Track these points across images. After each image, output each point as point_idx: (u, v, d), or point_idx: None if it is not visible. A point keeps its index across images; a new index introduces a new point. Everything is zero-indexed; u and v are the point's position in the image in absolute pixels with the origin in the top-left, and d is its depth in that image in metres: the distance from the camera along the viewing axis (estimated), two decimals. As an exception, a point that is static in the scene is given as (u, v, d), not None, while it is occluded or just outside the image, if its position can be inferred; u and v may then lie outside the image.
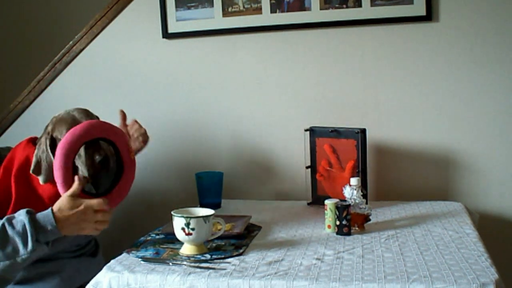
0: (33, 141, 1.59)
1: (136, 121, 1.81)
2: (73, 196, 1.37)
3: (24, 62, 2.98)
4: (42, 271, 1.54)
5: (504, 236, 1.99)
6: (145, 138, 1.80)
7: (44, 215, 1.35)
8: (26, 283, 1.52)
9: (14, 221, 1.34)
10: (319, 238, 1.53)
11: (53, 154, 1.47)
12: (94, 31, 2.20)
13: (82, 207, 1.36)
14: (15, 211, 1.39)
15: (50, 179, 1.48)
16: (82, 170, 1.48)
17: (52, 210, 1.35)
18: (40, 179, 1.50)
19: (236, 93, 2.14)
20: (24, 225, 1.32)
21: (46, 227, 1.34)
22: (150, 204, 2.23)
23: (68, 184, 1.41)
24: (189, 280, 1.25)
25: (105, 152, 1.49)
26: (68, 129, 1.46)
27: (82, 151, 1.47)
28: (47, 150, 1.51)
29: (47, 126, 1.56)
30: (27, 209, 1.36)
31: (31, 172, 1.50)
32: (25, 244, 1.32)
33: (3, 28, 3.10)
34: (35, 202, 1.48)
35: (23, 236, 1.32)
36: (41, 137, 1.56)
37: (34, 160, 1.51)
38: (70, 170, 1.41)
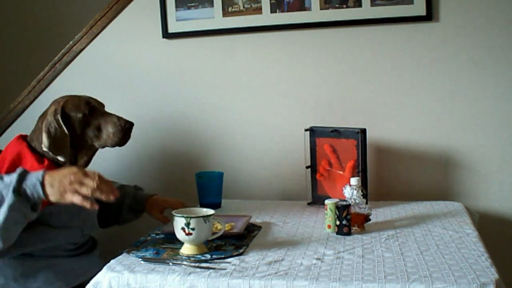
0: (24, 138, 1.60)
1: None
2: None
3: (24, 62, 2.98)
4: (34, 268, 1.53)
5: (504, 236, 1.99)
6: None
7: (35, 172, 1.34)
8: (16, 280, 1.51)
9: (6, 176, 1.34)
10: (319, 238, 1.53)
11: (68, 130, 1.54)
12: (94, 31, 2.20)
13: (74, 169, 1.35)
14: None
15: (67, 156, 1.53)
16: (105, 141, 1.58)
17: (44, 170, 1.35)
18: (61, 157, 1.53)
19: (236, 93, 2.14)
20: (12, 177, 1.32)
21: (32, 180, 1.32)
22: (150, 204, 2.23)
23: None
24: (189, 280, 1.25)
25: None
26: (86, 105, 1.58)
27: (99, 120, 1.59)
28: (59, 126, 1.53)
29: (48, 109, 1.59)
30: (21, 169, 1.36)
31: (46, 148, 1.51)
32: (6, 194, 1.30)
33: (3, 28, 3.10)
34: None
35: (7, 186, 1.31)
36: (43, 115, 1.59)
37: (46, 139, 1.52)
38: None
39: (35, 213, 1.38)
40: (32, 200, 1.34)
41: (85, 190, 1.33)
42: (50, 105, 1.61)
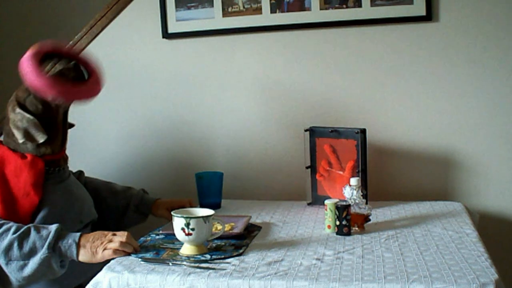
0: (1, 142, 1.63)
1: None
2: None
3: (24, 62, 2.98)
4: None
5: (504, 236, 1.99)
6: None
7: (72, 233, 1.42)
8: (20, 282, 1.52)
9: (42, 228, 1.41)
10: (319, 238, 1.53)
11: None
12: (94, 31, 2.20)
13: (105, 231, 1.42)
14: None
15: (45, 134, 1.54)
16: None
17: (78, 240, 1.41)
18: (40, 138, 1.54)
19: (236, 93, 2.14)
20: (49, 232, 1.38)
21: (69, 240, 1.39)
22: (150, 204, 2.23)
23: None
24: (189, 280, 1.25)
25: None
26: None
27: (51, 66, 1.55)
28: (23, 116, 1.54)
29: (6, 112, 1.61)
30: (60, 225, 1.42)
31: (22, 142, 1.53)
32: (41, 246, 1.37)
33: (3, 28, 3.10)
34: (12, 198, 1.51)
35: (43, 239, 1.37)
36: (5, 118, 1.60)
37: (18, 132, 1.53)
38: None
39: (62, 270, 1.44)
40: (63, 258, 1.43)
41: (113, 245, 1.39)
42: (6, 107, 1.62)
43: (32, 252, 1.39)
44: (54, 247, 1.39)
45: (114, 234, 1.42)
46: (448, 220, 1.67)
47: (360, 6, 1.98)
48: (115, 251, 1.38)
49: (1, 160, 1.54)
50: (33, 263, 1.39)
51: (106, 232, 1.42)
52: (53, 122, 1.61)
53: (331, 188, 1.90)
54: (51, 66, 1.58)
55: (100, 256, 1.39)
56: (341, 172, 1.87)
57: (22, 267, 1.40)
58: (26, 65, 1.50)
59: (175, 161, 2.21)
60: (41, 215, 1.53)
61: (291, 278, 1.23)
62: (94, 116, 2.20)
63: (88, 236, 1.42)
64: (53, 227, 1.42)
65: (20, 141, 1.54)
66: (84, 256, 1.40)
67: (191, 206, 1.75)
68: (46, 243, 1.38)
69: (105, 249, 1.39)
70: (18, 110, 1.56)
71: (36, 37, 3.02)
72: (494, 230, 1.96)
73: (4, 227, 1.42)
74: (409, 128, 2.02)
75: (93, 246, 1.40)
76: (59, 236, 1.41)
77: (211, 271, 1.29)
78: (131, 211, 1.82)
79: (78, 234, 1.42)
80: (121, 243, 1.39)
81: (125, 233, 1.41)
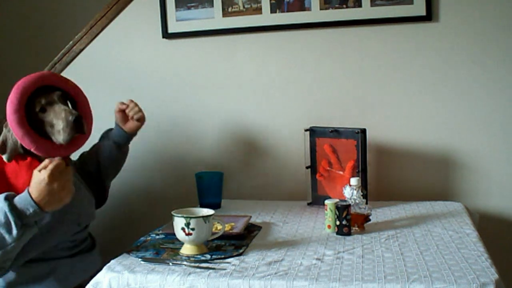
0: None
1: (131, 101, 1.80)
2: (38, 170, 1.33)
3: (24, 62, 2.98)
4: (36, 272, 1.53)
5: (504, 236, 1.99)
6: (139, 117, 1.79)
7: (22, 199, 1.32)
8: (19, 286, 1.51)
9: None
10: (319, 238, 1.53)
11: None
12: (94, 31, 2.20)
13: (46, 177, 1.30)
14: None
15: (14, 155, 1.50)
16: (57, 139, 1.47)
17: (28, 191, 1.32)
18: (4, 157, 1.50)
19: (236, 93, 2.14)
20: (6, 213, 1.30)
21: (28, 210, 1.31)
22: (150, 204, 2.23)
23: (22, 124, 1.41)
24: (189, 280, 1.25)
25: (76, 111, 1.49)
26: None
27: (51, 116, 1.46)
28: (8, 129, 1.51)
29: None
30: (4, 194, 1.33)
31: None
32: (10, 232, 1.30)
33: (3, 28, 3.10)
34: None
35: (7, 225, 1.30)
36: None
37: (0, 140, 1.51)
38: (24, 118, 1.43)
39: (37, 227, 1.38)
40: (37, 222, 1.37)
41: (71, 185, 1.34)
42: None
43: (2, 241, 1.31)
44: (24, 224, 1.31)
45: (61, 173, 1.32)
46: (448, 220, 1.67)
47: (360, 6, 1.98)
48: (54, 174, 1.30)
49: (2, 160, 1.54)
50: (11, 247, 1.32)
51: (47, 178, 1.30)
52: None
53: (331, 188, 1.90)
54: (42, 109, 1.49)
55: (67, 199, 1.33)
56: (341, 172, 1.87)
57: (2, 255, 1.34)
58: (10, 108, 1.43)
59: (175, 161, 2.21)
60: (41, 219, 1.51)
61: (291, 278, 1.23)
62: (93, 115, 2.20)
63: (41, 194, 1.30)
64: (3, 206, 1.30)
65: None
66: (52, 207, 1.33)
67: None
68: (13, 229, 1.30)
69: (70, 191, 1.33)
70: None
71: (36, 37, 3.05)
72: (494, 230, 1.96)
73: None
74: (409, 128, 2.02)
75: (58, 199, 1.32)
76: (17, 212, 1.31)
77: (211, 271, 1.29)
78: (106, 143, 1.82)
79: (30, 199, 1.31)
80: (52, 170, 1.31)
81: (60, 163, 1.32)
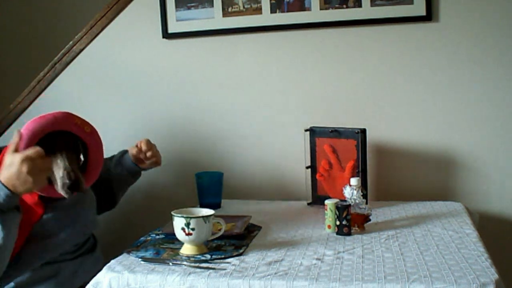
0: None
1: (147, 144, 1.76)
2: (12, 153, 1.32)
3: (24, 62, 2.98)
4: (40, 275, 1.53)
5: (504, 236, 1.99)
6: (158, 161, 1.79)
7: None
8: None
9: None
10: (319, 238, 1.53)
11: None
12: (94, 31, 2.20)
13: (18, 160, 1.29)
14: None
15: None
16: (56, 188, 1.43)
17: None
18: None
19: (236, 93, 2.14)
20: None
21: (0, 196, 1.30)
22: (150, 204, 2.23)
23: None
24: (189, 280, 1.25)
25: (76, 174, 1.43)
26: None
27: (52, 165, 1.42)
28: None
29: None
30: None
31: None
32: None
33: (3, 28, 3.10)
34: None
35: None
36: None
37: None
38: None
39: (19, 213, 1.37)
40: (18, 206, 1.35)
41: (46, 174, 1.34)
42: None
43: None
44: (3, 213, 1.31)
45: (33, 159, 1.30)
46: (448, 220, 1.67)
47: (360, 6, 1.98)
48: (26, 158, 1.29)
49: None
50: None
51: (19, 161, 1.29)
52: None
53: (331, 188, 1.90)
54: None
55: (39, 183, 1.32)
56: (341, 172, 1.87)
57: None
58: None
59: (175, 161, 2.21)
60: (44, 228, 1.51)
61: (291, 278, 1.23)
62: (93, 116, 2.19)
63: (11, 178, 1.30)
64: None
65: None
66: (24, 190, 1.32)
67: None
68: None
69: (44, 179, 1.33)
70: None
71: (36, 37, 3.05)
72: (494, 230, 1.96)
73: None
74: (409, 128, 2.02)
75: (29, 182, 1.30)
76: None
77: (211, 271, 1.29)
78: (113, 165, 1.81)
79: (1, 184, 1.31)
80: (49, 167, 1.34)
81: (37, 150, 1.32)
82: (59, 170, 1.42)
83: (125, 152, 1.83)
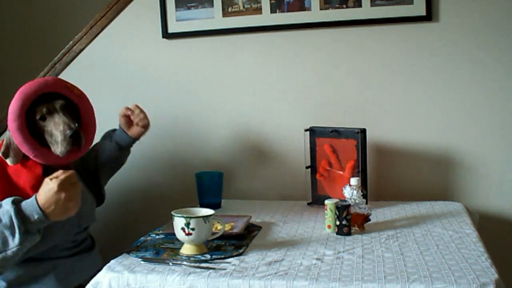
0: None
1: (137, 106, 1.79)
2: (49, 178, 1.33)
3: (24, 62, 2.98)
4: (36, 272, 1.53)
5: (504, 236, 1.99)
6: (144, 123, 1.78)
7: (29, 204, 1.32)
8: (19, 285, 1.51)
9: (0, 212, 1.32)
10: (319, 238, 1.53)
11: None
12: (94, 31, 2.20)
13: (55, 186, 1.30)
14: None
15: (19, 158, 1.49)
16: (55, 149, 1.48)
17: (36, 197, 1.32)
18: (8, 161, 1.49)
19: (236, 93, 2.14)
20: (11, 217, 1.30)
21: (33, 216, 1.31)
22: (150, 204, 2.23)
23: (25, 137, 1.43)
24: (189, 280, 1.25)
25: (75, 125, 1.48)
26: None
27: (50, 126, 1.47)
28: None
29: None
30: (12, 198, 1.34)
31: (0, 154, 1.49)
32: (13, 236, 1.30)
33: (3, 28, 3.10)
34: (19, 195, 1.47)
35: (11, 228, 1.30)
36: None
37: (4, 143, 1.50)
38: (24, 125, 1.45)
39: (39, 235, 1.38)
40: (40, 230, 1.37)
41: (78, 198, 1.34)
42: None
43: (4, 244, 1.31)
44: (27, 230, 1.32)
45: (71, 185, 1.32)
46: (448, 220, 1.67)
47: (360, 6, 1.98)
48: (64, 184, 1.30)
49: (4, 161, 1.54)
50: (11, 252, 1.32)
51: (57, 188, 1.30)
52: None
53: (331, 188, 1.90)
54: (42, 118, 1.50)
55: (74, 210, 1.33)
56: (341, 172, 1.87)
57: (2, 259, 1.33)
58: (12, 115, 1.45)
59: (175, 161, 2.21)
60: None
61: (291, 278, 1.23)
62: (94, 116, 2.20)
63: (48, 203, 1.31)
64: (10, 209, 1.31)
65: (0, 152, 1.50)
66: (57, 217, 1.33)
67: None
68: (17, 233, 1.30)
69: (77, 204, 1.33)
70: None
71: (36, 37, 3.05)
72: (494, 230, 1.96)
73: None
74: (409, 128, 2.02)
75: (65, 209, 1.32)
76: (22, 217, 1.31)
77: (211, 271, 1.29)
78: (108, 142, 1.82)
79: (37, 206, 1.31)
80: (63, 180, 1.31)
81: (72, 174, 1.33)
82: (58, 126, 1.47)
83: (113, 130, 1.85)
